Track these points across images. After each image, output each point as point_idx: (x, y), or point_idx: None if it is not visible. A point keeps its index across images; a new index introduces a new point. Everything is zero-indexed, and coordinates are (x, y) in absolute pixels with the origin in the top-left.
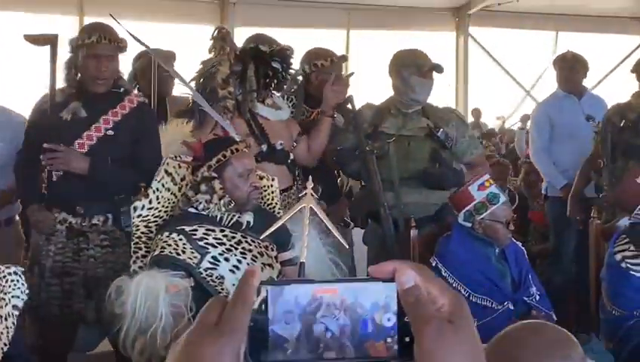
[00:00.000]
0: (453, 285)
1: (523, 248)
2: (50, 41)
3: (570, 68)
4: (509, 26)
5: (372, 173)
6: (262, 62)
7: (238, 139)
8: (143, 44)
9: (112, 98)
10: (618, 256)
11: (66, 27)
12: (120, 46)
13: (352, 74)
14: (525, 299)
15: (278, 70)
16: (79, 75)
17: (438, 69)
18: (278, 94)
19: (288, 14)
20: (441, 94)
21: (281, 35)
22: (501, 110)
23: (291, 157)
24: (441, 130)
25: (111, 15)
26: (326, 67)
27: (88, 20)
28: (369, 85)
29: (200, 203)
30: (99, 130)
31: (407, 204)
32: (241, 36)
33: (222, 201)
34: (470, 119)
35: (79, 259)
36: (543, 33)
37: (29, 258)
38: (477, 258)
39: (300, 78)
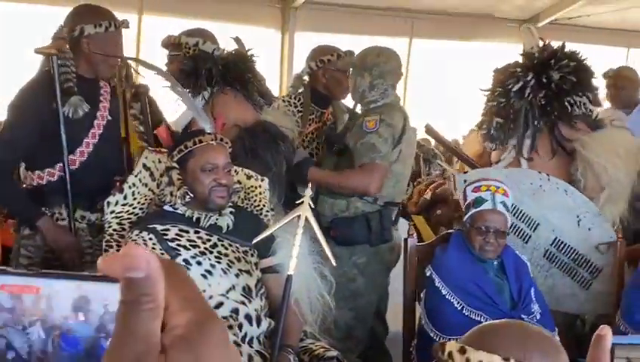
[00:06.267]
0: (447, 296)
1: (527, 263)
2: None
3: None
4: (577, 40)
5: None
6: None
7: (209, 132)
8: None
9: (94, 83)
10: None
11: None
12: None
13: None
14: (524, 316)
15: None
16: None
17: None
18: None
19: (350, 21)
20: None
21: (342, 42)
22: None
23: None
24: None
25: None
26: (333, 62)
27: (147, 19)
28: (427, 94)
29: (165, 195)
30: (103, 118)
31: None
32: (301, 41)
33: (178, 192)
34: None
35: None
36: (614, 49)
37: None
38: (473, 269)
39: (306, 77)
